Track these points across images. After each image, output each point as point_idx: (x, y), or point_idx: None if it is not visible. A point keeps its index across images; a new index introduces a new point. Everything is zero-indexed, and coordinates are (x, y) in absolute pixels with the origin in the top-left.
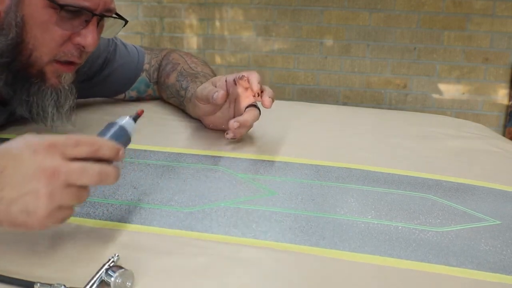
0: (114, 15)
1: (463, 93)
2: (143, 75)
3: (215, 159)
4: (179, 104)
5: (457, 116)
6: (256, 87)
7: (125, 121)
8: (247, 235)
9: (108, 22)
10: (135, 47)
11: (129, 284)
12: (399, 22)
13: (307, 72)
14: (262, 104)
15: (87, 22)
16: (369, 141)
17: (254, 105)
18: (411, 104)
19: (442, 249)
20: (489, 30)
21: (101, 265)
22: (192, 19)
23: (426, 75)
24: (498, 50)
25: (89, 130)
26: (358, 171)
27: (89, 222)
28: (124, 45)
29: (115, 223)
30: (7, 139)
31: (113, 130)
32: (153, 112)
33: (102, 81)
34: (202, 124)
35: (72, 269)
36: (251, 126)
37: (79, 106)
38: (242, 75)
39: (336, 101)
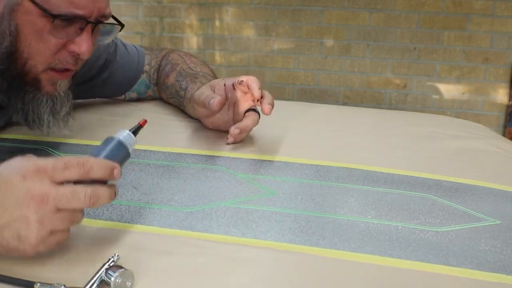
0: (109, 21)
1: (463, 93)
2: (144, 76)
3: (215, 159)
4: (178, 105)
5: (457, 116)
6: (257, 93)
7: (124, 136)
8: (247, 235)
9: (106, 26)
10: (135, 48)
11: (129, 284)
12: (399, 22)
13: (307, 72)
14: (262, 111)
15: (82, 29)
16: (369, 141)
17: (253, 109)
18: (411, 104)
19: (442, 249)
20: (489, 30)
21: (101, 265)
22: (192, 19)
23: (426, 75)
24: (498, 50)
25: (89, 131)
26: (358, 171)
27: (89, 222)
28: (125, 45)
29: (115, 223)
30: (6, 139)
31: (110, 146)
32: (153, 112)
33: (102, 83)
34: (202, 124)
35: (72, 269)
36: (251, 130)
37: (79, 107)
38: (241, 80)
39: (336, 101)
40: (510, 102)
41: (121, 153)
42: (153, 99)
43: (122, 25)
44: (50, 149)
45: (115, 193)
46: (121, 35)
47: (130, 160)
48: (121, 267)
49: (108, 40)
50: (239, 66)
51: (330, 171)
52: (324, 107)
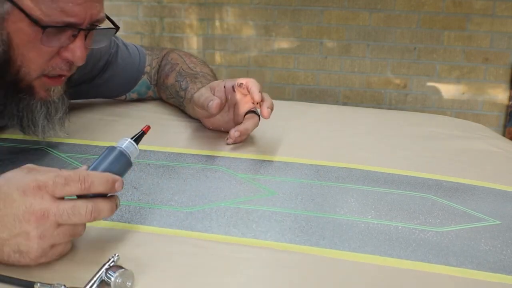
0: (105, 22)
1: (463, 93)
2: (144, 77)
3: (215, 159)
4: (179, 105)
5: (457, 116)
6: (257, 96)
7: (125, 145)
8: (247, 235)
9: (101, 28)
10: (137, 48)
11: (129, 284)
12: (399, 22)
13: (307, 72)
14: (261, 115)
15: (75, 36)
16: (369, 141)
17: (253, 111)
18: (411, 104)
19: (442, 249)
20: (489, 30)
21: (101, 265)
22: (192, 19)
23: (426, 75)
24: (498, 50)
25: (89, 131)
26: (358, 171)
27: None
28: (126, 46)
29: (115, 223)
30: (6, 139)
31: (111, 158)
32: (153, 112)
33: (103, 83)
34: (202, 124)
35: (72, 269)
36: (251, 132)
37: (80, 107)
38: (241, 83)
39: (336, 101)
40: (510, 102)
41: (122, 164)
42: (153, 100)
43: (117, 28)
44: (50, 149)
45: (116, 205)
46: (121, 35)
47: None
48: (121, 267)
49: (103, 43)
50: (239, 66)
51: (330, 171)
52: (324, 107)
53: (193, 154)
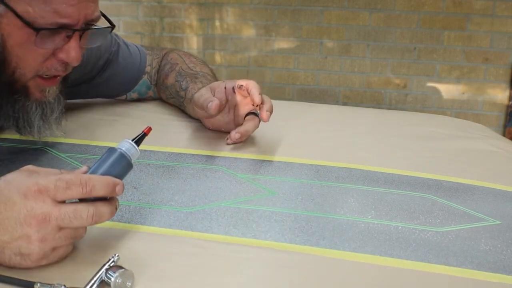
0: (101, 21)
1: (463, 93)
2: (145, 77)
3: (215, 159)
4: (179, 105)
5: (457, 116)
6: (257, 99)
7: (126, 147)
8: (247, 235)
9: (96, 27)
10: (137, 48)
11: (129, 284)
12: (399, 22)
13: (307, 72)
14: (261, 118)
15: (69, 37)
16: (369, 141)
17: (253, 112)
18: (411, 104)
19: (442, 249)
20: (489, 30)
21: (101, 265)
22: (192, 19)
23: (426, 75)
24: (498, 50)
25: (89, 131)
26: (358, 171)
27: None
28: (127, 45)
29: (115, 223)
30: (5, 139)
31: (111, 160)
32: (153, 112)
33: (103, 82)
34: (202, 124)
35: (72, 269)
36: (251, 133)
37: (79, 107)
38: (241, 85)
39: (336, 101)
40: (510, 102)
41: (123, 166)
42: (153, 100)
43: (113, 26)
44: (49, 149)
45: (116, 208)
46: (121, 35)
47: None
48: (121, 267)
49: (100, 41)
50: (239, 66)
51: (330, 171)
52: (324, 107)
53: (193, 154)
